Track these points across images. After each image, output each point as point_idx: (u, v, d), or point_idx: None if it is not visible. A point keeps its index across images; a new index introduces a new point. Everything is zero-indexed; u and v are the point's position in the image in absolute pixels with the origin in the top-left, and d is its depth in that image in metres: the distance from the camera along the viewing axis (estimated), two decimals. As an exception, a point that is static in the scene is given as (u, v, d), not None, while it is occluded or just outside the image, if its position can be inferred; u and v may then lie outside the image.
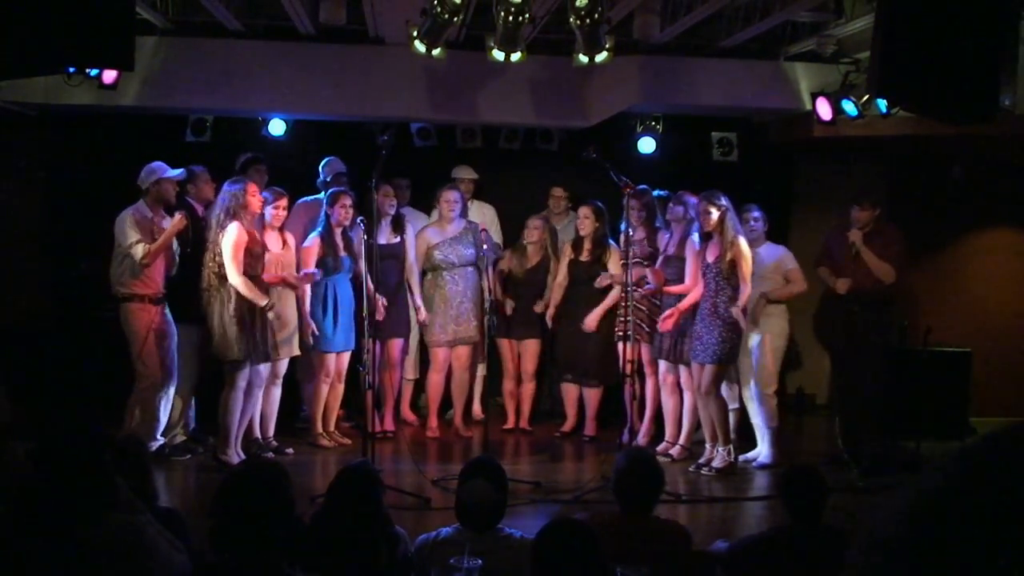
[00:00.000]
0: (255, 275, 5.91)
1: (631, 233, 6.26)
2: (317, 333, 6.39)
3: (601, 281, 6.84)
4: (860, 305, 6.46)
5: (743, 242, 6.08)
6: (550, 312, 7.12)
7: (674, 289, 6.32)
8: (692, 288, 6.24)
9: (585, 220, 6.98)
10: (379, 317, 6.25)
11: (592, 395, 7.20)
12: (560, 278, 7.12)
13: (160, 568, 2.62)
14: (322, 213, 6.56)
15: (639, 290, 6.43)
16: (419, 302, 6.96)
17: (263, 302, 5.85)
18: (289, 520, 2.66)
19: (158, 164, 6.06)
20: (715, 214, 6.05)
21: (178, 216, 5.99)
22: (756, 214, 6.53)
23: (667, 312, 6.28)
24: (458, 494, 3.54)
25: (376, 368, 6.00)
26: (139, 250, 5.85)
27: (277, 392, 6.44)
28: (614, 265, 6.91)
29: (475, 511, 3.41)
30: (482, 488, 3.42)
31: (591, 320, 6.91)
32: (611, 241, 7.04)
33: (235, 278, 5.78)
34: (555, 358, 7.32)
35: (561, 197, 7.68)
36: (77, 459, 2.63)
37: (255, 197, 5.98)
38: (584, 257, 7.03)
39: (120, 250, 5.93)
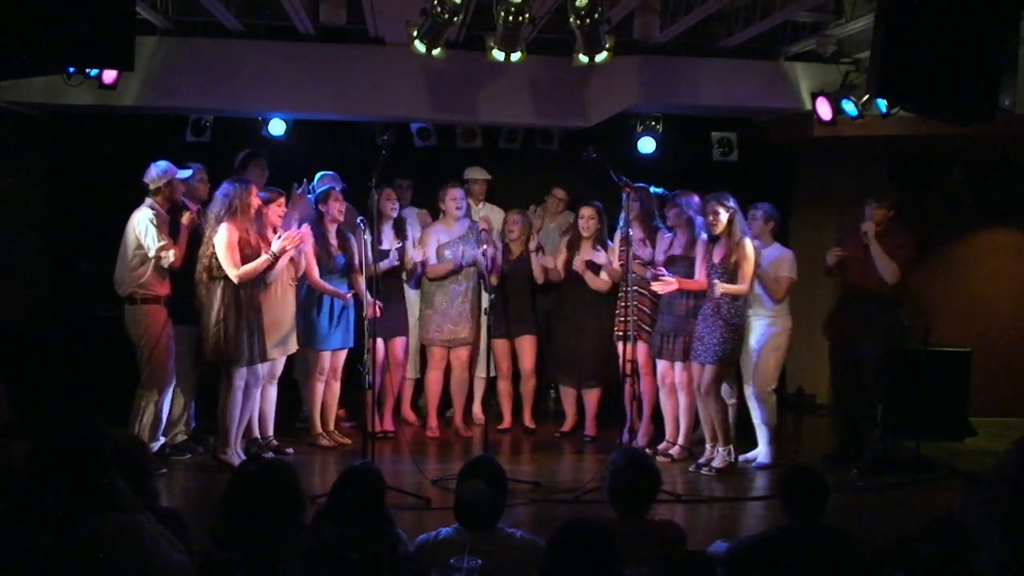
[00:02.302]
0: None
1: (630, 233, 6.26)
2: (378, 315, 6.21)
3: (596, 258, 6.88)
4: (862, 305, 6.43)
5: (749, 244, 6.08)
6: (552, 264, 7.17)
7: (687, 284, 6.28)
8: (701, 286, 6.23)
9: (590, 221, 6.99)
10: (368, 316, 6.18)
11: (591, 396, 7.20)
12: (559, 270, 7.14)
13: (160, 568, 2.62)
14: (313, 212, 6.54)
15: (650, 274, 6.41)
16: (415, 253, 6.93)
17: (270, 254, 5.83)
18: (296, 520, 2.66)
19: (167, 164, 6.03)
20: (723, 215, 6.06)
21: (189, 214, 5.98)
22: (759, 212, 6.52)
23: (668, 280, 6.21)
24: (456, 493, 3.54)
25: (376, 368, 5.99)
26: (171, 255, 5.83)
27: (273, 391, 6.43)
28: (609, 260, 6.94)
29: (471, 511, 3.41)
30: (478, 488, 3.42)
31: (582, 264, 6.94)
32: (610, 242, 7.06)
33: (235, 272, 5.77)
34: (552, 360, 7.32)
35: (563, 199, 7.67)
36: (75, 458, 2.63)
37: (256, 198, 5.98)
38: (584, 258, 7.03)
39: (138, 252, 5.87)
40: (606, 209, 7.06)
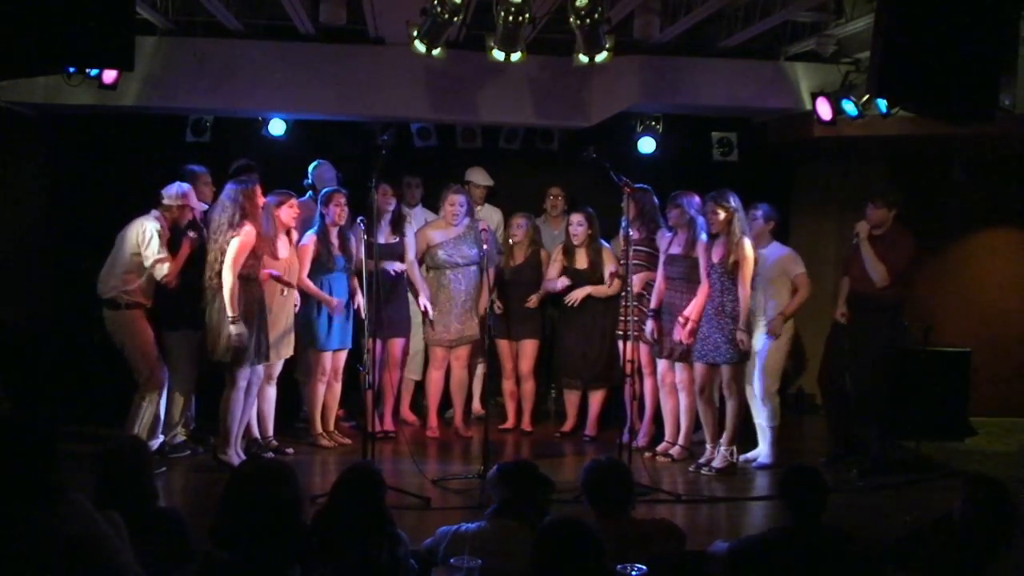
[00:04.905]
0: (252, 276, 5.88)
1: (631, 233, 6.26)
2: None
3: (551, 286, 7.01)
4: (863, 309, 6.39)
5: (748, 244, 6.06)
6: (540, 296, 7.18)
7: (695, 312, 6.22)
8: (701, 304, 6.22)
9: (579, 227, 7.00)
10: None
11: (596, 397, 7.20)
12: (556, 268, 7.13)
13: (106, 562, 2.61)
14: (317, 213, 6.56)
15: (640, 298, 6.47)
16: (425, 300, 6.95)
17: (231, 314, 5.72)
18: (294, 520, 2.66)
19: (189, 187, 6.07)
20: (722, 215, 6.06)
21: (192, 236, 5.97)
22: (759, 212, 6.52)
23: (683, 321, 6.26)
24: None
25: (376, 368, 6.00)
26: (164, 268, 5.82)
27: (272, 392, 6.43)
28: (606, 267, 6.96)
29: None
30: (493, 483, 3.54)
31: (572, 294, 6.98)
32: (604, 243, 7.08)
33: (228, 279, 5.75)
34: (558, 364, 7.32)
35: (559, 196, 7.67)
36: (15, 452, 2.62)
37: (260, 196, 5.99)
38: (580, 265, 7.04)
39: (134, 258, 5.85)
40: (607, 209, 7.06)
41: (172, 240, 5.99)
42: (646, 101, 7.51)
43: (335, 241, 6.55)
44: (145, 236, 5.85)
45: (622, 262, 6.36)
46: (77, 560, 2.54)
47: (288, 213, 6.18)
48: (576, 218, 7.02)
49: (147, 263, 5.84)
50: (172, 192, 6.00)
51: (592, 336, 7.05)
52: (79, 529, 2.59)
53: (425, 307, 6.93)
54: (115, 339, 5.94)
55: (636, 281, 6.54)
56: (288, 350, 6.35)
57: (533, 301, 7.14)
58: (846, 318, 6.44)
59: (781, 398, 6.65)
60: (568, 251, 7.09)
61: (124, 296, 5.88)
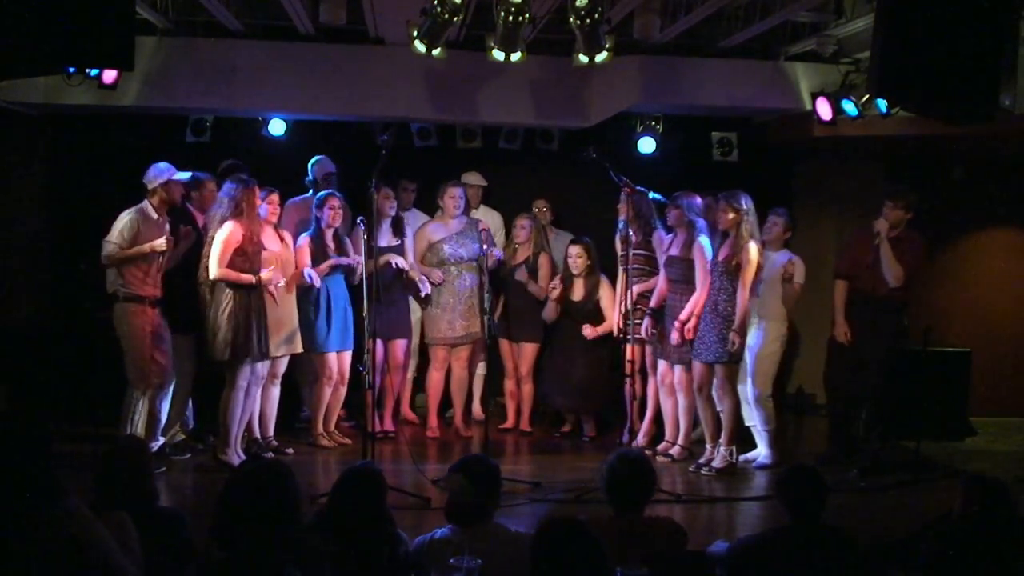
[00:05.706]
0: (252, 272, 5.89)
1: (630, 235, 6.25)
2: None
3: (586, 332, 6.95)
4: (868, 310, 6.38)
5: (754, 249, 6.02)
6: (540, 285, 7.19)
7: (696, 309, 6.22)
8: (703, 295, 6.21)
9: (578, 259, 7.02)
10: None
11: (586, 416, 7.23)
12: (551, 304, 7.15)
13: (101, 566, 2.60)
14: (313, 214, 6.57)
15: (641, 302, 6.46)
16: (419, 274, 6.88)
17: (250, 279, 5.83)
18: (294, 520, 2.66)
19: (166, 165, 6.01)
20: (731, 216, 6.03)
21: (165, 240, 5.87)
22: (779, 218, 6.51)
23: (678, 326, 6.26)
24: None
25: (376, 368, 5.99)
26: (107, 247, 5.74)
27: (276, 392, 6.44)
28: (606, 300, 6.99)
29: (451, 506, 3.44)
30: (457, 482, 3.44)
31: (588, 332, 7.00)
32: (600, 275, 7.11)
33: (216, 270, 5.78)
34: (545, 384, 7.28)
35: (544, 208, 7.64)
36: (11, 456, 2.61)
37: (259, 198, 6.00)
38: (577, 296, 7.06)
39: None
40: (603, 211, 7.05)
41: (175, 223, 5.97)
42: (646, 101, 7.51)
43: (330, 243, 6.55)
44: (118, 222, 5.80)
45: (623, 267, 6.36)
46: (72, 562, 2.54)
47: (268, 209, 6.18)
48: (575, 250, 7.05)
49: (105, 241, 5.80)
50: (151, 176, 5.94)
51: (576, 364, 7.04)
52: (74, 530, 2.59)
53: (424, 279, 6.84)
54: (116, 332, 5.94)
55: (637, 285, 6.54)
56: (296, 346, 6.36)
57: (523, 273, 7.12)
58: (848, 338, 6.42)
59: (781, 398, 6.65)
60: (566, 281, 7.09)
61: (121, 289, 5.87)
